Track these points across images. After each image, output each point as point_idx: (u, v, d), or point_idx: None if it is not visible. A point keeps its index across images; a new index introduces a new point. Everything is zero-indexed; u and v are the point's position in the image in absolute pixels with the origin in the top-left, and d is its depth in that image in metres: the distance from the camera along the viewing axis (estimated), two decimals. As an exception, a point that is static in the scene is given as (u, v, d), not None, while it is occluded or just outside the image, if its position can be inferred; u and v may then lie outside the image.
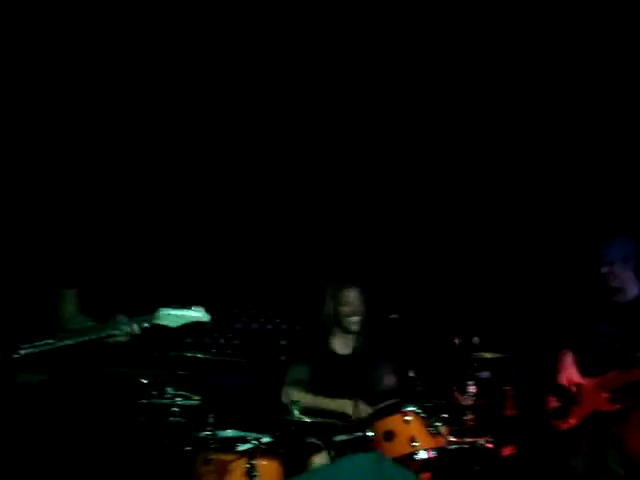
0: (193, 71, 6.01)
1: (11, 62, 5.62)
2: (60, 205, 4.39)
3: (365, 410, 4.95)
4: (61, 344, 4.19)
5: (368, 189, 6.86)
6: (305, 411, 4.74)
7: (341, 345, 5.26)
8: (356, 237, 6.91)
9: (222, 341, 6.94)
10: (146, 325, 4.25)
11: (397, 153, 6.75)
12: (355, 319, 5.16)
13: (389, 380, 5.28)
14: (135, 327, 4.22)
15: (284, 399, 5.15)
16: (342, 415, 4.97)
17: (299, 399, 4.88)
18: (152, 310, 4.29)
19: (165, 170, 6.57)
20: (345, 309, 5.17)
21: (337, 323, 5.20)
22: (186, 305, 4.28)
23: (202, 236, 6.91)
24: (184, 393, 5.19)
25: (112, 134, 6.16)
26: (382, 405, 5.05)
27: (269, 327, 7.11)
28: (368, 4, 5.72)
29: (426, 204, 6.85)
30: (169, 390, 5.24)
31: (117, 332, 4.24)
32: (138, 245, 6.58)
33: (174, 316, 4.24)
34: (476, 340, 5.12)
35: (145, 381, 5.47)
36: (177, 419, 5.08)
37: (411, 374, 5.00)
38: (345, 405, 4.97)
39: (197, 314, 4.28)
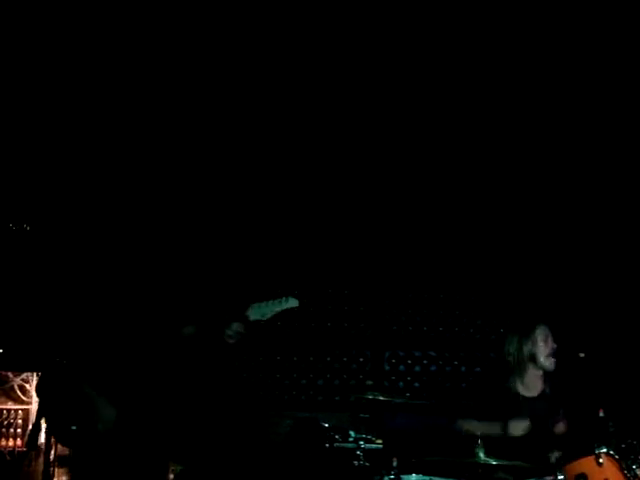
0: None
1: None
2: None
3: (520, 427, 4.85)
4: None
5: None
6: (492, 452, 4.63)
7: (527, 388, 5.14)
8: (538, 276, 6.77)
9: (401, 384, 6.91)
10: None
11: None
12: (553, 356, 5.06)
13: (559, 427, 5.11)
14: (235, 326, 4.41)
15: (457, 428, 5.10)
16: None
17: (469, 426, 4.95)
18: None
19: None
20: (546, 347, 5.08)
21: (533, 361, 5.09)
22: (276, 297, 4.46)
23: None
24: (367, 436, 5.18)
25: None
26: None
27: (448, 369, 7.02)
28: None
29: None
30: (352, 434, 5.24)
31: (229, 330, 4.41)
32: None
33: (266, 308, 4.44)
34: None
35: (327, 425, 5.50)
36: (361, 463, 5.06)
37: (602, 414, 4.77)
38: (494, 427, 4.88)
39: (287, 303, 4.47)
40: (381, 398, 5.46)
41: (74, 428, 4.25)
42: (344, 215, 6.84)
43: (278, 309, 4.47)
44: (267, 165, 6.57)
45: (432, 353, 7.01)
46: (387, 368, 6.91)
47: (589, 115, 6.11)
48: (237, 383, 6.56)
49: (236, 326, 4.43)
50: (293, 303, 4.50)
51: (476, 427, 4.99)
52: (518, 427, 4.93)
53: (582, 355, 4.98)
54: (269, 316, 4.46)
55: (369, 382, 6.19)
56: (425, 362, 6.98)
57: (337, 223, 6.84)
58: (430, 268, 7.00)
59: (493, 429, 4.97)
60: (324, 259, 6.86)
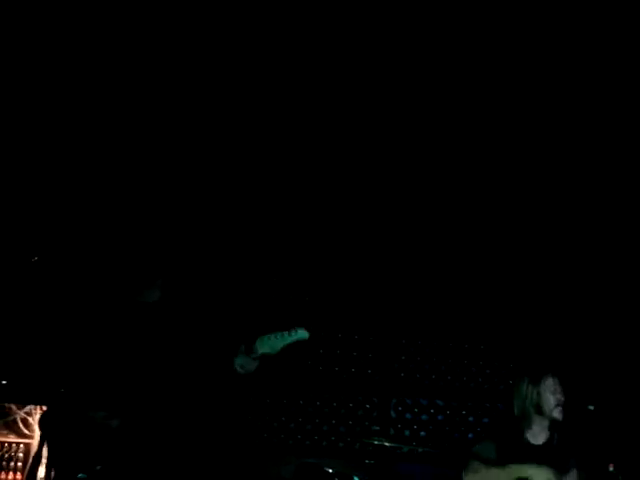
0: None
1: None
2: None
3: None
4: None
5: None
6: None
7: (533, 436, 5.05)
8: (549, 326, 6.72)
9: (407, 433, 6.83)
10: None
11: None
12: (560, 408, 4.97)
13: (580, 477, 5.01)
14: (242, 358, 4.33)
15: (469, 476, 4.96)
16: None
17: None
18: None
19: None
20: (553, 398, 5.00)
21: (539, 412, 5.02)
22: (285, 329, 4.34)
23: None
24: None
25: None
26: None
27: (455, 419, 6.95)
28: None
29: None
30: (356, 479, 5.19)
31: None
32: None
33: (275, 341, 4.31)
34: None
35: (331, 470, 5.44)
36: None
37: (611, 469, 4.70)
38: None
39: (297, 335, 4.34)
40: (387, 444, 5.41)
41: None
42: (357, 261, 6.84)
43: (288, 341, 4.33)
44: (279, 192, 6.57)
45: (439, 402, 6.93)
46: (393, 415, 6.84)
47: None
48: (241, 424, 6.50)
49: (243, 359, 4.34)
50: (303, 335, 4.35)
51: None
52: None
53: (591, 408, 4.92)
54: (279, 349, 4.33)
55: (375, 427, 6.17)
56: (432, 411, 6.91)
57: (349, 269, 6.83)
58: (440, 316, 6.96)
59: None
60: (335, 304, 6.84)
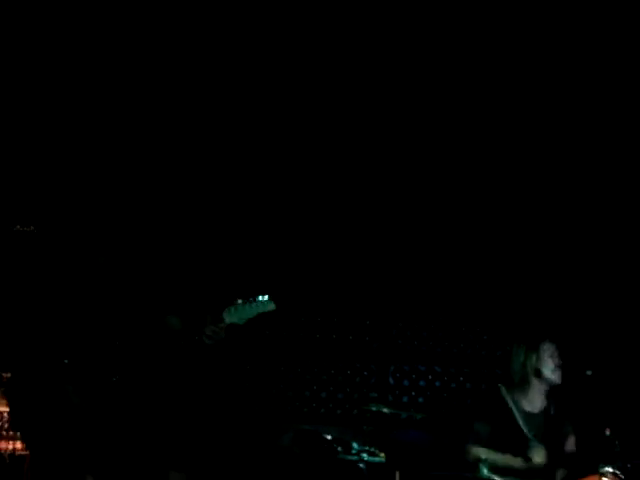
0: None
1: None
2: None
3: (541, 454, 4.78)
4: None
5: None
6: (496, 469, 4.59)
7: (529, 403, 5.08)
8: (546, 291, 6.73)
9: (405, 399, 6.87)
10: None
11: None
12: (559, 371, 5.01)
13: (569, 445, 5.06)
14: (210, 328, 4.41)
15: (469, 457, 4.98)
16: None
17: (487, 457, 4.75)
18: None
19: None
20: (551, 362, 5.03)
21: (538, 375, 5.04)
22: (250, 298, 4.41)
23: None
24: (370, 449, 5.14)
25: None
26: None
27: (453, 385, 6.98)
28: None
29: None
30: (355, 445, 5.20)
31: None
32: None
33: (242, 312, 4.39)
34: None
35: (329, 437, 5.46)
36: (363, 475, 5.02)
37: (608, 433, 4.73)
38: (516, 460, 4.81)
39: (264, 306, 4.40)
40: (385, 411, 5.43)
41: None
42: (350, 229, 6.83)
43: (255, 312, 4.40)
44: (261, 162, 6.55)
45: (437, 368, 6.96)
46: (392, 382, 6.87)
47: (589, 115, 6.08)
48: (237, 392, 6.52)
49: (211, 329, 4.39)
50: (270, 306, 4.41)
51: (497, 459, 4.89)
52: (539, 455, 4.84)
53: (589, 373, 4.94)
54: (246, 319, 4.40)
55: (374, 394, 6.20)
56: (430, 377, 6.94)
57: (344, 236, 6.83)
58: (437, 282, 6.97)
59: (515, 462, 4.89)
60: (332, 271, 6.84)
